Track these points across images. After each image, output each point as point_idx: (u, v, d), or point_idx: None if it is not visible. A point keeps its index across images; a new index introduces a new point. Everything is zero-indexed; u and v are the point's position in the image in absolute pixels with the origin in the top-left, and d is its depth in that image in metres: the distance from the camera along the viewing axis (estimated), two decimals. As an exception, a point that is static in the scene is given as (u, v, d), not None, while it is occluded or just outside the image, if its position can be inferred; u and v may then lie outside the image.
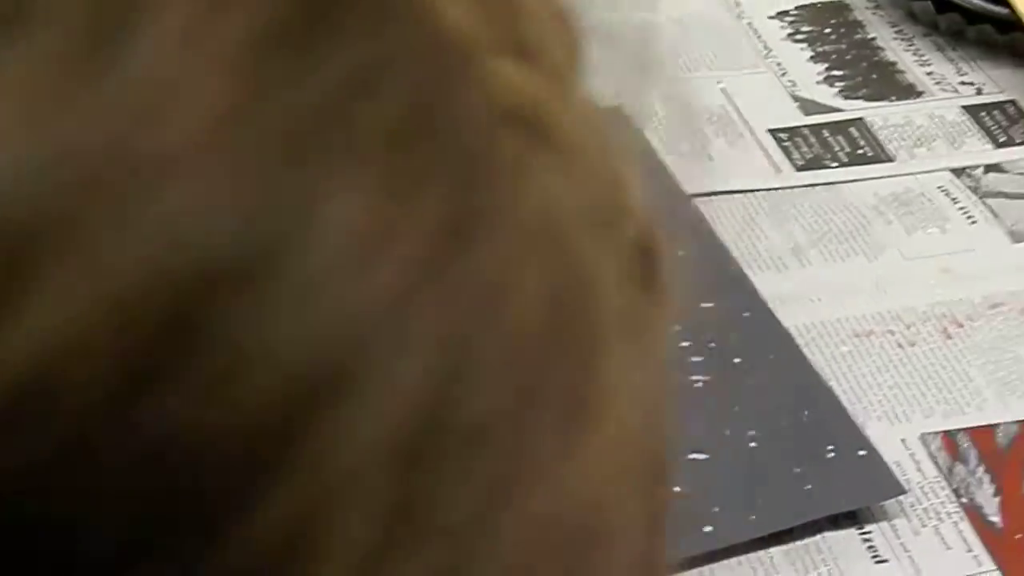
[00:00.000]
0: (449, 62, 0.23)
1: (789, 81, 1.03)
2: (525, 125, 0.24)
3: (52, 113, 0.20)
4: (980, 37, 1.04)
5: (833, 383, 0.79)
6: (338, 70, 0.21)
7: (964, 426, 0.76)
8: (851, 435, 0.75)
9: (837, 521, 0.72)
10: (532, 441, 0.23)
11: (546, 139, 0.24)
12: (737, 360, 0.79)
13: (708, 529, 0.70)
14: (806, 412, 0.76)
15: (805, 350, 0.80)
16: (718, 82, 1.03)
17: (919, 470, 0.74)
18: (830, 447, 0.74)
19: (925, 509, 0.73)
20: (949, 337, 0.81)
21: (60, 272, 0.19)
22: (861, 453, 0.74)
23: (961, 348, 0.81)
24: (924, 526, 0.72)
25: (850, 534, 0.72)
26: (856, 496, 0.73)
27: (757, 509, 0.72)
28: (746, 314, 0.82)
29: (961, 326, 0.82)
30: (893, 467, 0.74)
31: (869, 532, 0.72)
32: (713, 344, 0.80)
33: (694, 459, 0.74)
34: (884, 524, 0.72)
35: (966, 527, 0.72)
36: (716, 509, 0.71)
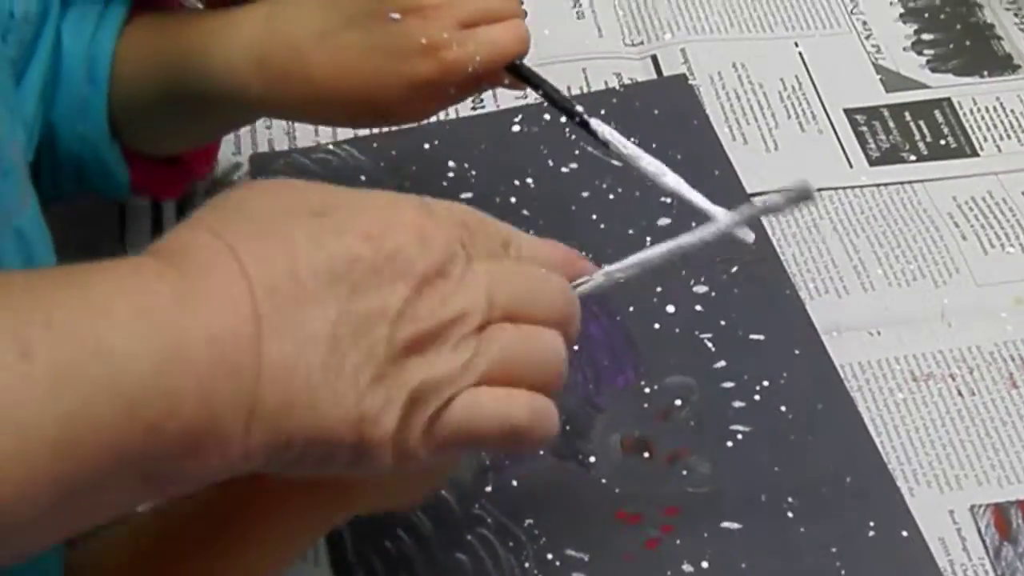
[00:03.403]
0: None
1: (873, 46, 0.95)
2: None
3: None
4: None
5: (883, 438, 0.74)
6: None
7: (1020, 497, 0.71)
8: (895, 511, 0.70)
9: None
10: None
11: None
12: (783, 409, 0.74)
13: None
14: (849, 479, 0.71)
15: (856, 395, 0.75)
16: (795, 44, 0.95)
17: (965, 549, 0.70)
18: (871, 523, 0.70)
19: (966, 597, 0.69)
20: (1015, 386, 0.76)
21: None
22: (904, 534, 0.69)
23: (1026, 399, 0.75)
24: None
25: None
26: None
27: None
28: (797, 351, 0.76)
29: (1029, 371, 0.77)
30: (937, 545, 0.69)
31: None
32: (759, 387, 0.75)
33: (726, 528, 0.70)
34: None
35: (1007, 619, 0.68)
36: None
